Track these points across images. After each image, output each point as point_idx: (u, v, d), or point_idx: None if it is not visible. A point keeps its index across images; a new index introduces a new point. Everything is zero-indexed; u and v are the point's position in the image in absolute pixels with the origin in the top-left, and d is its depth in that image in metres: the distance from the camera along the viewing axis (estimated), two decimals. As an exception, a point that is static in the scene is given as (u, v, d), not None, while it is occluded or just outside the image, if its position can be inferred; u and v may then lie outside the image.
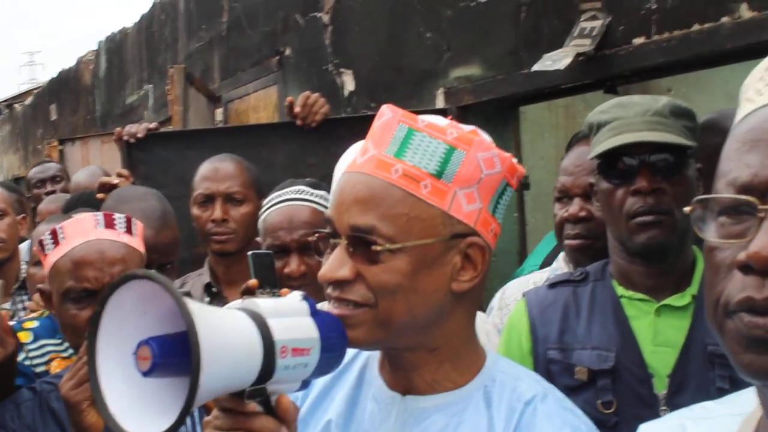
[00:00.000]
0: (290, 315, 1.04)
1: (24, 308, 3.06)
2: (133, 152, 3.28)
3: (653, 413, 1.57)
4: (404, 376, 1.20)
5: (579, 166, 2.10)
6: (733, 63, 2.98)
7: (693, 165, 1.69)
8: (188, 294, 2.23)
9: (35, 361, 2.20)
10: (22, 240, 3.66)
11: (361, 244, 1.11)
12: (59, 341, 2.23)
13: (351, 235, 1.12)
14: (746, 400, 0.87)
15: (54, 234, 1.76)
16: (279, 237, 2.05)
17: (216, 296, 2.52)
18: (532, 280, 2.31)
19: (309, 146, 3.15)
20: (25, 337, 2.21)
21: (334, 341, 1.08)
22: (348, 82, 4.72)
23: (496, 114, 3.90)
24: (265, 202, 2.19)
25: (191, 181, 2.60)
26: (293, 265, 2.03)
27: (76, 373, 1.59)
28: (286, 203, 2.09)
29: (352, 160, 1.19)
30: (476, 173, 1.13)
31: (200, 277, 2.61)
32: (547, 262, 2.52)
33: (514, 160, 1.19)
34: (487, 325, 2.06)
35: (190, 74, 5.01)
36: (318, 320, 1.06)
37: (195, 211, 2.55)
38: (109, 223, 1.78)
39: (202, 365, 0.86)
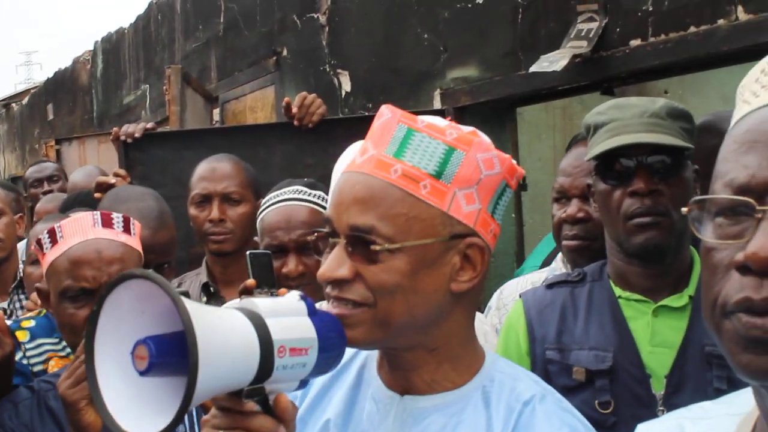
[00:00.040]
0: (288, 315, 1.04)
1: (21, 307, 3.05)
2: (130, 152, 3.27)
3: (651, 413, 1.58)
4: (403, 376, 1.20)
5: (577, 167, 2.10)
6: (730, 65, 2.99)
7: (690, 166, 1.70)
8: (186, 293, 2.23)
9: (33, 360, 2.19)
10: (20, 239, 3.65)
11: (360, 243, 1.11)
12: (57, 340, 2.23)
13: (350, 234, 1.12)
14: (744, 400, 0.87)
15: (52, 233, 1.76)
16: (277, 237, 2.05)
17: (213, 296, 2.52)
18: (530, 280, 2.31)
19: (306, 147, 3.15)
20: (22, 336, 2.20)
21: (333, 341, 1.08)
22: (345, 83, 4.72)
23: (493, 115, 3.90)
24: (263, 202, 2.19)
25: (188, 181, 2.59)
26: (291, 264, 2.03)
27: (73, 372, 1.59)
28: (284, 203, 2.09)
29: (351, 159, 1.19)
30: (476, 174, 1.13)
31: (198, 276, 2.61)
32: (547, 263, 2.52)
33: (513, 162, 1.19)
34: (485, 325, 2.06)
35: (187, 74, 5.00)
36: (316, 320, 1.06)
37: (192, 211, 2.55)
38: (107, 223, 1.78)
39: (199, 365, 0.86)
